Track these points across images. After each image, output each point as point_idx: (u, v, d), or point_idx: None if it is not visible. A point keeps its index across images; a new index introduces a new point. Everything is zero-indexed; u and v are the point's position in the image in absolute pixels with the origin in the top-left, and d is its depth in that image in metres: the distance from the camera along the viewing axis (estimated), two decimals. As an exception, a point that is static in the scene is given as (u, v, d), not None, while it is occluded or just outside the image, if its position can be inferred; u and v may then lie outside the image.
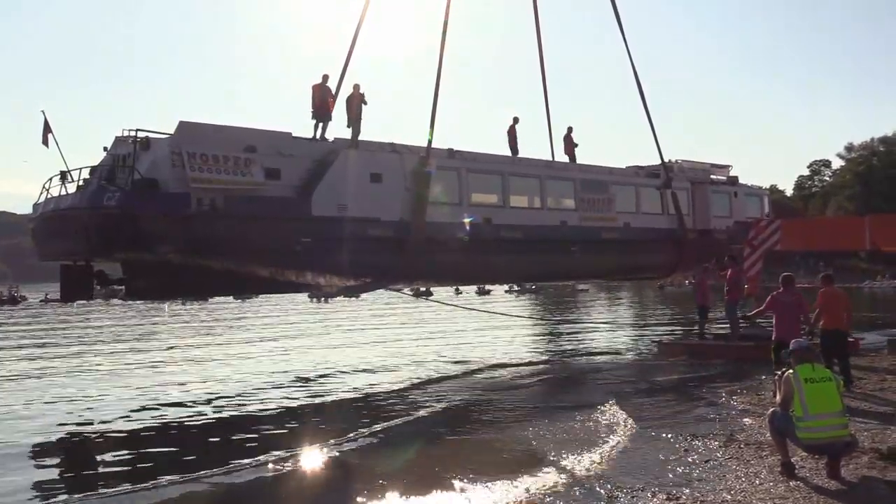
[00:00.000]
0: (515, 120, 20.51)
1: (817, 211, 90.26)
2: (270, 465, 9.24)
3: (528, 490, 7.66)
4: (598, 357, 20.03)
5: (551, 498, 7.37)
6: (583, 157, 22.15)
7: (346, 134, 16.60)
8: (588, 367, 18.33)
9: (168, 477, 8.79)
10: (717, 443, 9.03)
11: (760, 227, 20.14)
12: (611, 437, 9.95)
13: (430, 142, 17.00)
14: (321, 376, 17.37)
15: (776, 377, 8.65)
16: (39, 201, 15.21)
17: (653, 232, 21.69)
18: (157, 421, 12.72)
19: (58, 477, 9.65)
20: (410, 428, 11.28)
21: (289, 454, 9.71)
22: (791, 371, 7.50)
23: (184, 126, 14.02)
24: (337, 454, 9.76)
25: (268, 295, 39.49)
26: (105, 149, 14.81)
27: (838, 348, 12.28)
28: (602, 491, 7.39)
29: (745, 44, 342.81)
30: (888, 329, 21.47)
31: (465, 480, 8.07)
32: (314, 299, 48.42)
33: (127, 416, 13.07)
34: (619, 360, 19.45)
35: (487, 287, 61.17)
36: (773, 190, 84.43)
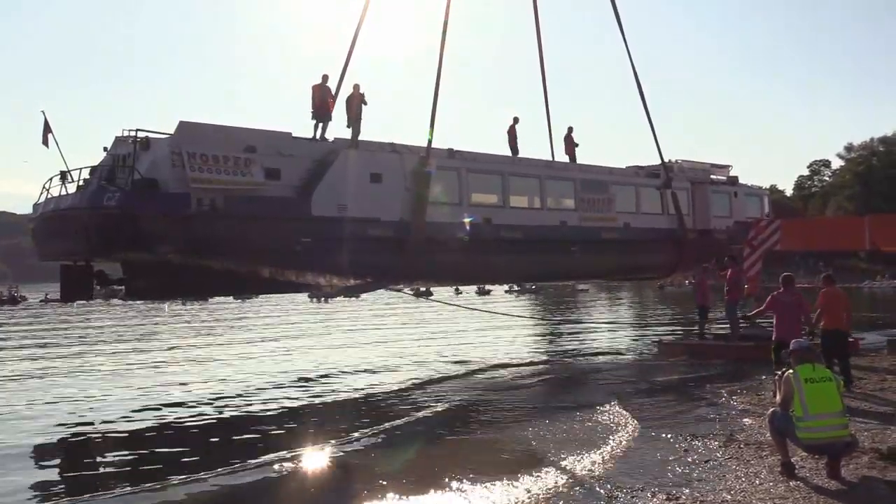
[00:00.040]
0: (515, 120, 20.52)
1: (817, 211, 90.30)
2: (272, 466, 9.22)
3: (528, 490, 7.66)
4: (599, 357, 20.04)
5: (551, 498, 7.37)
6: (583, 157, 22.25)
7: (346, 134, 16.61)
8: (588, 367, 18.34)
9: (170, 478, 8.77)
10: (717, 443, 9.03)
11: (760, 228, 20.15)
12: (611, 437, 9.95)
13: (430, 142, 17.02)
14: (323, 376, 17.37)
15: (776, 377, 8.65)
16: (39, 201, 15.22)
17: (653, 232, 21.70)
18: (159, 421, 12.70)
19: (59, 478, 9.63)
20: (411, 428, 11.27)
21: (291, 455, 9.70)
22: (791, 371, 7.50)
23: (184, 126, 14.02)
24: (338, 455, 9.75)
25: (268, 295, 39.49)
26: (105, 149, 14.81)
27: (839, 348, 12.29)
28: (602, 491, 7.40)
29: (745, 44, 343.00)
30: (888, 329, 21.45)
31: (465, 481, 8.07)
32: (314, 299, 48.44)
33: (129, 417, 13.05)
34: (620, 360, 19.45)
35: (487, 287, 61.19)
36: (773, 190, 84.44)
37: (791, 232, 20.51)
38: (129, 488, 8.50)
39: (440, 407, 12.89)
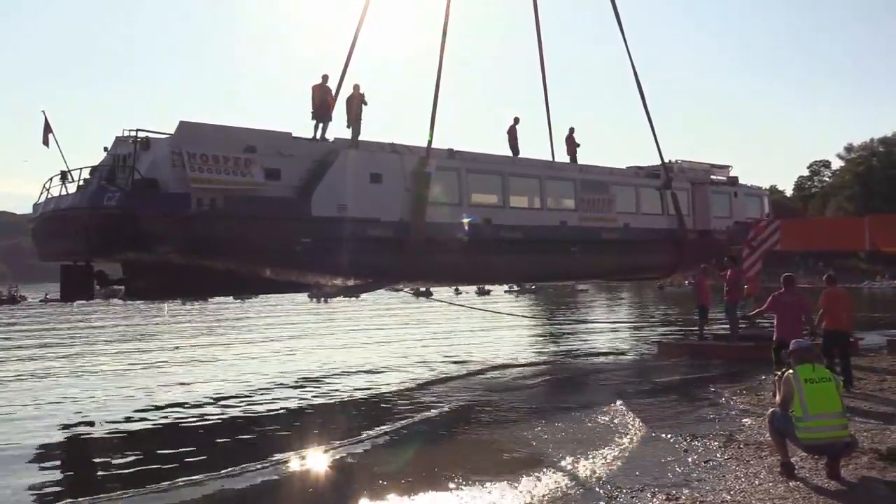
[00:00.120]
0: (516, 120, 20.52)
1: (817, 211, 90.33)
2: (275, 467, 9.21)
3: (528, 490, 7.66)
4: (599, 358, 20.04)
5: (551, 498, 7.38)
6: (583, 157, 22.21)
7: (346, 134, 16.61)
8: (588, 367, 18.34)
9: (174, 479, 8.73)
10: (716, 443, 9.04)
11: (760, 228, 20.16)
12: (611, 437, 9.96)
13: (430, 142, 17.02)
14: (325, 377, 17.35)
15: (776, 377, 8.66)
16: (39, 201, 15.22)
17: (653, 232, 21.71)
18: (162, 422, 12.67)
19: (62, 479, 9.61)
20: (414, 429, 11.25)
21: (293, 456, 9.68)
22: (791, 371, 7.51)
23: (184, 126, 14.03)
24: (341, 456, 9.74)
25: (268, 295, 39.47)
26: (105, 149, 14.81)
27: (840, 348, 12.30)
28: (601, 491, 7.40)
29: (745, 44, 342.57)
30: (888, 329, 21.45)
31: (466, 481, 8.07)
32: (314, 299, 48.37)
33: (131, 417, 13.02)
34: (620, 360, 19.46)
35: (487, 287, 61.16)
36: (773, 190, 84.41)
37: (791, 232, 20.51)
38: (132, 490, 8.45)
39: (443, 408, 12.87)
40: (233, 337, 29.34)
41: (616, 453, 8.99)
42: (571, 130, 22.31)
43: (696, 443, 9.15)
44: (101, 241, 13.41)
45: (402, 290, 20.86)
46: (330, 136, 16.62)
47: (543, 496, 7.45)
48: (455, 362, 19.42)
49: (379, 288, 18.05)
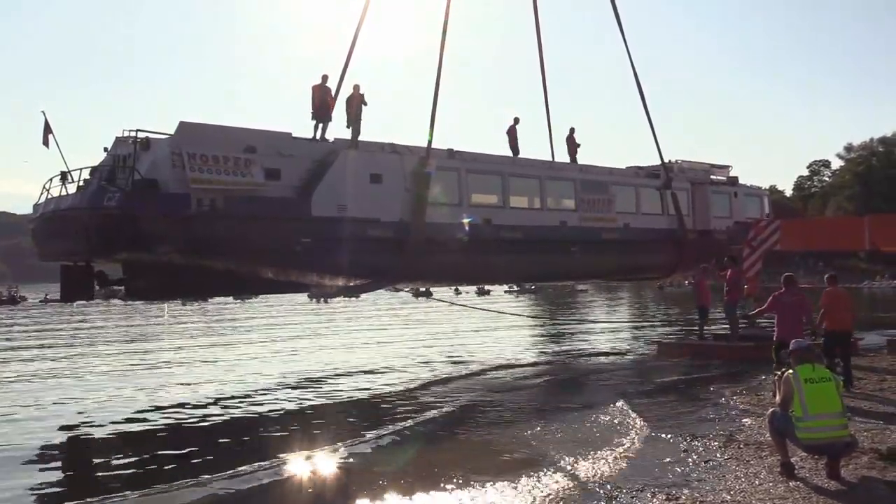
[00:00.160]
0: (516, 120, 20.52)
1: (817, 211, 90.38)
2: (277, 468, 9.18)
3: (528, 490, 7.66)
4: (599, 358, 20.03)
5: (551, 498, 7.38)
6: (583, 157, 22.21)
7: (346, 134, 16.61)
8: (589, 367, 18.33)
9: (175, 481, 8.69)
10: (716, 443, 9.04)
11: (760, 228, 20.15)
12: (611, 437, 9.96)
13: (430, 142, 17.02)
14: (327, 377, 17.32)
15: (776, 377, 8.66)
16: (40, 202, 15.22)
17: (653, 232, 21.71)
18: (164, 423, 12.64)
19: (63, 480, 9.58)
20: (416, 430, 11.22)
21: (295, 457, 9.65)
22: (791, 371, 7.51)
23: (184, 126, 14.03)
24: (344, 457, 9.70)
25: (268, 295, 39.50)
26: (105, 149, 14.81)
27: (842, 349, 12.30)
28: (601, 491, 7.40)
29: (745, 44, 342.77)
30: (888, 329, 21.46)
31: (466, 481, 8.07)
32: (314, 300, 48.44)
33: (133, 418, 12.99)
34: (620, 360, 19.46)
35: (487, 287, 61.18)
36: (773, 190, 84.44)
37: (791, 232, 20.51)
38: (133, 491, 8.43)
39: (444, 408, 12.84)
40: (233, 337, 29.32)
41: (616, 453, 8.99)
42: (572, 131, 22.32)
43: (696, 443, 9.15)
44: (101, 241, 13.41)
45: (402, 290, 20.83)
46: (330, 136, 16.64)
47: (543, 496, 7.45)
48: (456, 362, 19.41)
49: (379, 288, 18.06)
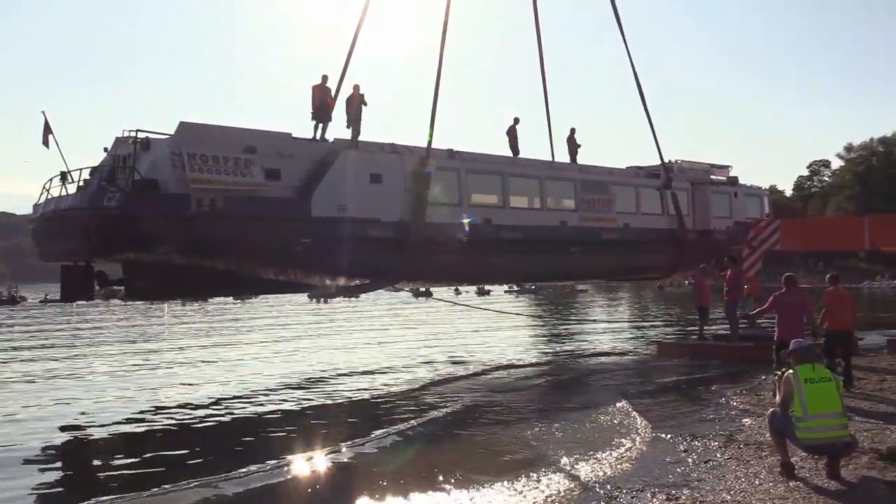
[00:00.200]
0: (516, 120, 20.52)
1: (817, 211, 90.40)
2: (279, 470, 9.16)
3: (528, 490, 7.67)
4: (600, 358, 20.02)
5: (552, 498, 7.38)
6: (583, 157, 22.21)
7: (346, 134, 16.62)
8: (589, 368, 18.32)
9: (177, 482, 8.64)
10: (716, 443, 9.04)
11: (760, 228, 20.16)
12: (611, 437, 9.97)
13: (429, 142, 17.02)
14: (328, 378, 17.30)
15: (776, 377, 8.66)
16: (40, 202, 15.22)
17: (653, 232, 21.71)
18: (165, 424, 12.59)
19: (65, 481, 9.57)
20: (417, 430, 11.20)
21: (297, 458, 9.62)
22: (791, 371, 7.51)
23: (184, 126, 14.04)
24: (347, 458, 9.69)
25: (267, 295, 39.45)
26: (105, 149, 14.82)
27: (844, 349, 12.29)
28: (601, 491, 7.41)
29: (745, 44, 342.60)
30: (888, 329, 21.45)
31: (466, 482, 8.08)
32: (314, 300, 48.41)
33: (134, 419, 12.96)
34: (620, 361, 19.45)
35: (487, 287, 61.18)
36: (773, 190, 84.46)
37: (791, 232, 20.51)
38: (135, 492, 8.38)
39: (446, 409, 12.82)
40: (234, 337, 29.30)
41: (616, 453, 8.99)
42: (573, 131, 22.32)
43: (696, 443, 9.16)
44: (102, 241, 13.42)
45: (403, 290, 20.81)
46: (330, 136, 16.65)
47: (544, 496, 7.45)
48: (457, 363, 19.41)
49: (379, 288, 18.06)
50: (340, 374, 17.79)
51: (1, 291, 70.38)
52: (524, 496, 7.51)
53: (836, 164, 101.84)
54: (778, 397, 7.73)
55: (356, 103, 16.71)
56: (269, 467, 9.21)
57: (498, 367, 18.30)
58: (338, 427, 11.91)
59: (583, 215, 20.02)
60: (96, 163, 14.63)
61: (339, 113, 16.94)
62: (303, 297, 45.75)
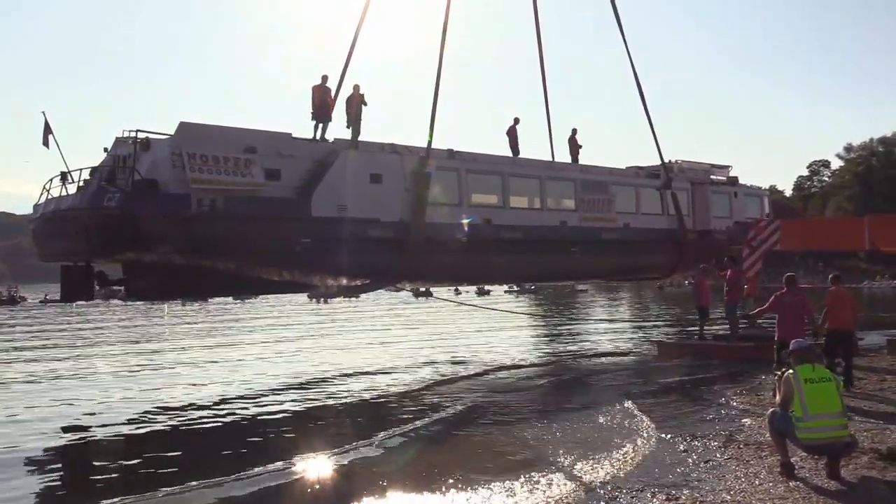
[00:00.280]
0: (516, 120, 20.52)
1: (817, 211, 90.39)
2: (281, 471, 9.12)
3: (528, 491, 7.67)
4: (600, 358, 20.01)
5: (551, 499, 7.38)
6: (583, 157, 22.17)
7: (346, 134, 16.62)
8: (590, 368, 18.32)
9: (179, 484, 8.60)
10: (716, 443, 9.04)
11: (759, 228, 20.15)
12: (611, 437, 9.97)
13: (429, 142, 17.02)
14: (330, 378, 17.25)
15: (776, 377, 8.67)
16: (40, 202, 15.21)
17: (653, 232, 21.71)
18: (169, 424, 12.54)
19: (65, 483, 9.55)
20: (420, 431, 11.17)
21: (299, 459, 9.57)
22: (791, 371, 7.51)
23: (184, 127, 14.04)
24: (350, 459, 9.63)
25: (267, 296, 39.45)
26: (105, 150, 14.81)
27: (844, 348, 12.30)
28: (601, 491, 7.40)
29: (745, 44, 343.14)
30: (888, 329, 21.45)
31: (466, 482, 8.08)
32: (314, 300, 48.46)
33: (137, 420, 12.94)
34: (620, 361, 19.44)
35: (487, 287, 61.17)
36: (773, 190, 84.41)
37: (791, 232, 20.51)
38: (136, 494, 8.34)
39: (450, 409, 12.79)
40: (236, 338, 29.29)
41: (616, 453, 8.99)
42: (574, 132, 22.30)
43: (696, 443, 9.16)
44: (102, 241, 13.41)
45: (403, 289, 20.81)
46: (330, 136, 16.65)
47: (544, 497, 7.45)
48: (459, 363, 19.39)
49: (379, 288, 18.07)
50: (343, 375, 17.77)
51: (1, 291, 70.41)
52: (524, 497, 7.51)
53: (836, 164, 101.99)
54: (778, 397, 7.73)
55: (356, 103, 16.71)
56: (272, 469, 9.16)
57: (500, 368, 18.29)
58: (341, 428, 11.92)
59: (583, 215, 20.02)
60: (96, 163, 14.63)
61: (339, 113, 16.97)
62: (303, 297, 45.91)
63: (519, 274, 22.47)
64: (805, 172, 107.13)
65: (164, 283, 14.97)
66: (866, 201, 78.64)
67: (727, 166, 26.06)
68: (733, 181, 25.39)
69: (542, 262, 19.25)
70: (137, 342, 28.25)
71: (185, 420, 12.85)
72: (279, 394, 15.35)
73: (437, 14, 17.87)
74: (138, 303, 29.23)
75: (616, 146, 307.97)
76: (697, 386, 14.27)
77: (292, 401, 14.48)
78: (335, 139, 16.55)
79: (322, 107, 16.68)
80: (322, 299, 46.55)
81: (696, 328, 19.61)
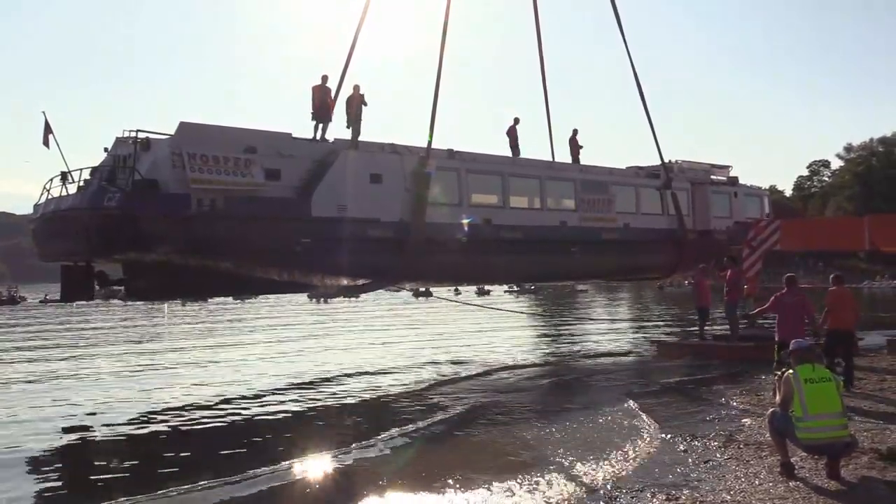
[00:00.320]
0: (516, 120, 20.53)
1: (817, 211, 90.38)
2: (283, 472, 9.11)
3: (528, 491, 7.67)
4: (600, 359, 20.00)
5: (552, 499, 7.38)
6: (583, 157, 22.18)
7: (347, 135, 16.62)
8: (590, 368, 18.31)
9: (181, 485, 8.58)
10: (716, 443, 9.04)
11: (759, 228, 20.15)
12: (611, 438, 9.97)
13: (430, 142, 17.02)
14: (332, 378, 17.22)
15: (776, 377, 8.67)
16: (40, 202, 15.21)
17: (653, 232, 21.71)
18: (171, 425, 12.51)
19: (65, 484, 9.53)
20: (423, 432, 11.17)
21: (300, 461, 9.57)
22: (791, 371, 7.52)
23: (184, 127, 14.04)
24: (353, 461, 9.64)
25: (267, 296, 39.42)
26: (105, 149, 14.81)
27: (845, 348, 12.30)
28: (601, 491, 7.41)
29: (745, 44, 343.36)
30: (888, 329, 21.45)
31: (466, 482, 8.08)
32: (314, 300, 48.43)
33: (139, 420, 12.92)
34: (621, 361, 19.45)
35: (487, 287, 61.14)
36: (773, 190, 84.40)
37: (791, 232, 20.49)
38: (137, 495, 8.32)
39: (452, 410, 12.77)
40: (237, 338, 29.28)
41: (616, 454, 8.99)
42: (575, 132, 22.30)
43: (696, 443, 9.16)
44: (102, 241, 13.41)
45: (404, 289, 20.80)
46: (330, 136, 16.65)
47: (544, 497, 7.46)
48: (460, 363, 19.38)
49: (379, 288, 18.06)
50: (344, 375, 17.76)
51: (1, 291, 70.43)
52: (524, 497, 7.51)
53: (836, 164, 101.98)
54: (778, 397, 7.73)
55: (356, 103, 16.71)
56: (273, 469, 9.14)
57: (501, 368, 18.29)
58: (342, 428, 11.92)
59: (583, 215, 20.02)
60: (96, 163, 14.63)
61: (340, 113, 16.97)
62: (303, 297, 45.81)
63: (519, 274, 22.46)
64: (805, 172, 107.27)
65: (164, 283, 14.96)
66: (866, 201, 78.64)
67: (727, 166, 26.06)
68: (733, 181, 25.39)
69: (542, 262, 19.25)
70: (140, 342, 28.24)
71: (185, 420, 12.84)
72: (280, 394, 15.34)
73: (437, 14, 17.90)
74: (138, 303, 29.16)
75: (616, 146, 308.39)
76: (698, 386, 14.26)
77: (293, 401, 14.47)
78: (335, 139, 16.55)
79: (322, 107, 16.68)
80: (322, 299, 46.50)
81: (696, 328, 19.61)
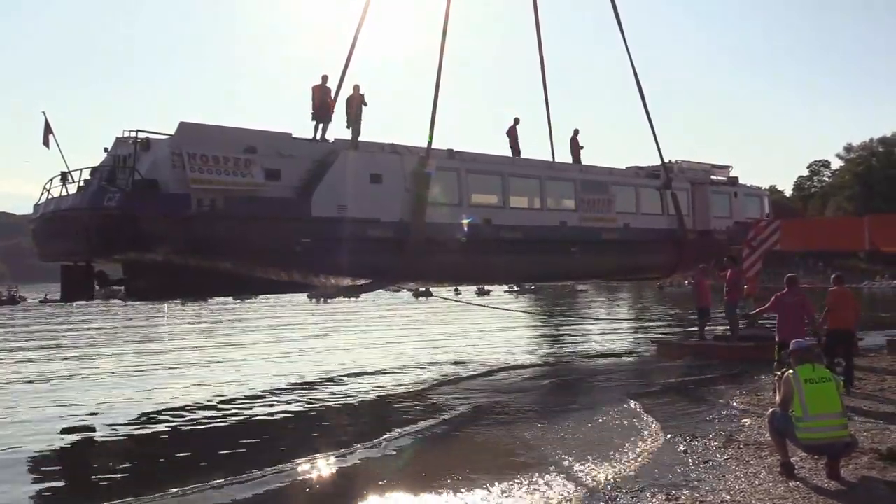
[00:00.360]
0: (516, 121, 20.52)
1: (817, 211, 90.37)
2: (284, 473, 9.09)
3: (529, 491, 7.67)
4: (600, 359, 20.01)
5: (551, 499, 7.38)
6: (583, 157, 22.16)
7: (347, 135, 16.62)
8: (590, 368, 18.33)
9: (182, 486, 8.55)
10: (716, 443, 9.04)
11: (759, 228, 20.14)
12: (611, 438, 9.97)
13: (430, 142, 17.02)
14: (333, 379, 17.21)
15: (776, 377, 8.67)
16: (40, 202, 15.21)
17: (653, 232, 21.71)
18: (173, 425, 12.50)
19: (66, 484, 9.54)
20: (425, 432, 11.17)
21: (306, 461, 9.55)
22: (791, 371, 7.52)
23: (184, 127, 14.04)
24: (354, 462, 9.62)
25: (267, 296, 39.39)
26: (105, 149, 14.81)
27: (845, 348, 12.30)
28: (601, 492, 7.41)
29: (745, 44, 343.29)
30: (888, 329, 21.45)
31: (466, 482, 8.09)
32: (314, 300, 48.31)
33: (141, 420, 12.92)
34: (621, 361, 19.45)
35: (487, 288, 61.10)
36: (773, 190, 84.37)
37: (791, 232, 20.49)
38: (138, 496, 8.30)
39: (455, 410, 12.76)
40: (238, 338, 29.27)
41: (616, 454, 8.99)
42: (576, 132, 22.28)
43: (696, 443, 9.16)
44: (102, 241, 13.41)
45: (404, 289, 20.79)
46: (330, 136, 16.65)
47: (544, 497, 7.46)
48: (462, 363, 19.38)
49: (379, 288, 18.06)
50: (345, 375, 17.76)
51: (1, 291, 70.41)
52: (525, 497, 7.51)
53: (836, 164, 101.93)
54: (778, 397, 7.74)
55: (356, 103, 16.71)
56: (275, 470, 9.13)
57: (502, 368, 18.29)
58: (343, 428, 11.91)
59: (583, 215, 20.02)
60: (96, 163, 14.62)
61: (340, 113, 16.97)
62: (303, 298, 45.43)
63: (519, 274, 22.45)
64: (805, 172, 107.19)
65: (164, 283, 14.97)
66: (866, 201, 78.60)
67: (727, 166, 26.05)
68: (733, 181, 25.38)
69: (542, 262, 19.25)
70: (141, 342, 28.23)
71: (186, 420, 12.84)
72: (280, 394, 15.34)
73: (437, 14, 17.89)
74: (138, 303, 29.14)
75: (616, 146, 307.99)
76: (698, 386, 14.27)
77: (294, 401, 14.47)
78: (335, 139, 16.55)
79: (322, 107, 16.68)
80: (322, 299, 46.40)
81: (696, 328, 19.61)
